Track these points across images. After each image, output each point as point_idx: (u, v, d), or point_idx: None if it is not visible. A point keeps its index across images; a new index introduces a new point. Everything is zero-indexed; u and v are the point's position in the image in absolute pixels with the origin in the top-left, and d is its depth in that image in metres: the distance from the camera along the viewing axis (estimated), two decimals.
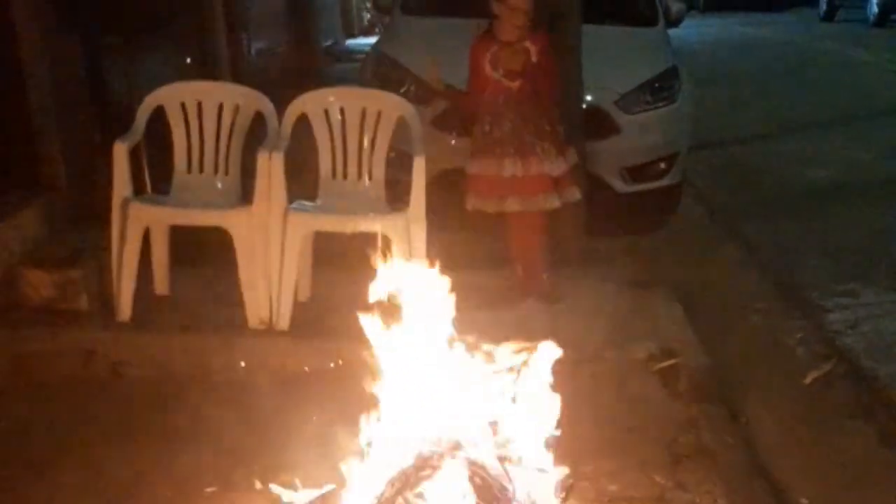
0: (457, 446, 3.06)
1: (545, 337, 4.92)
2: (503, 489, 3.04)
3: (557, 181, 5.36)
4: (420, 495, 2.93)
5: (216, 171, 5.40)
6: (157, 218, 5.24)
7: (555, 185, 5.36)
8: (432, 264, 3.35)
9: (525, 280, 5.54)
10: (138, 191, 5.21)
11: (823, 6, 26.32)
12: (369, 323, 3.28)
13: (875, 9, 23.37)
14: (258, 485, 3.61)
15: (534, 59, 5.26)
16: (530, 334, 4.85)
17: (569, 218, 5.79)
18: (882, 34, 21.76)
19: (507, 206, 5.33)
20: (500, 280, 5.56)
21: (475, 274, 5.51)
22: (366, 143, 5.29)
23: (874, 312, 5.87)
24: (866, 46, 19.17)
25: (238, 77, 8.98)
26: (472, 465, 3.02)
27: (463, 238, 5.74)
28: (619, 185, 6.86)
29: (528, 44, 5.26)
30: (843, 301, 6.04)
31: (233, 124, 5.36)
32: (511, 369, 3.34)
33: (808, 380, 5.00)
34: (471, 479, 2.98)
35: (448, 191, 5.62)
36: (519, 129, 5.26)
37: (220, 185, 5.39)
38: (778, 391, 4.90)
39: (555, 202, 5.37)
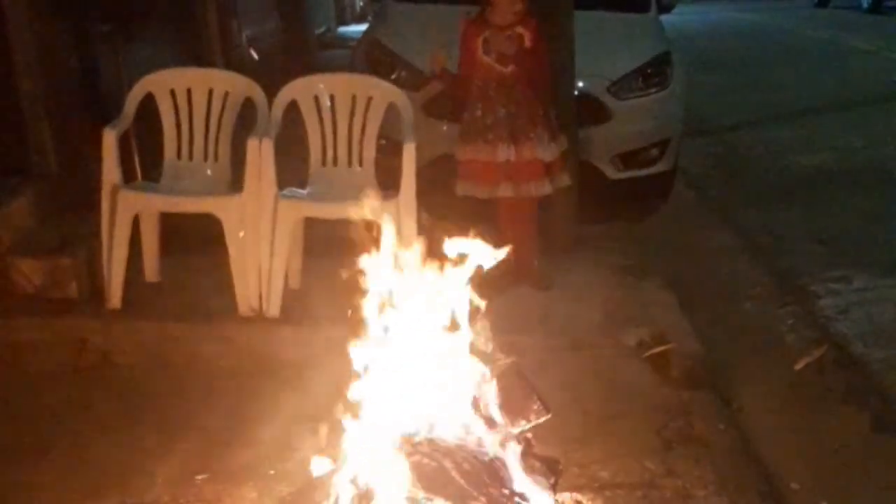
0: (445, 432, 3.07)
1: (535, 324, 4.96)
2: (492, 475, 3.04)
3: (548, 167, 5.35)
4: (407, 482, 2.94)
5: (206, 157, 5.38)
6: (147, 205, 5.22)
7: (546, 171, 5.35)
8: (424, 251, 3.36)
9: (516, 267, 5.53)
10: (128, 178, 5.20)
11: None
12: (361, 310, 3.29)
13: None
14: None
15: (527, 44, 5.25)
16: (522, 321, 4.90)
17: (560, 204, 5.79)
18: (876, 21, 21.77)
19: (500, 192, 5.32)
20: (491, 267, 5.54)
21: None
22: (356, 129, 5.28)
23: (866, 298, 5.88)
24: (860, 33, 19.17)
25: (229, 64, 8.96)
26: (461, 451, 3.03)
27: (454, 225, 5.72)
28: (611, 172, 6.85)
29: (520, 29, 5.24)
30: (835, 287, 6.04)
31: (223, 111, 5.34)
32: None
33: (799, 366, 5.00)
34: (459, 465, 2.98)
35: (439, 177, 5.60)
36: (512, 115, 5.25)
37: (210, 172, 5.37)
38: (770, 377, 4.91)
39: (547, 188, 5.37)
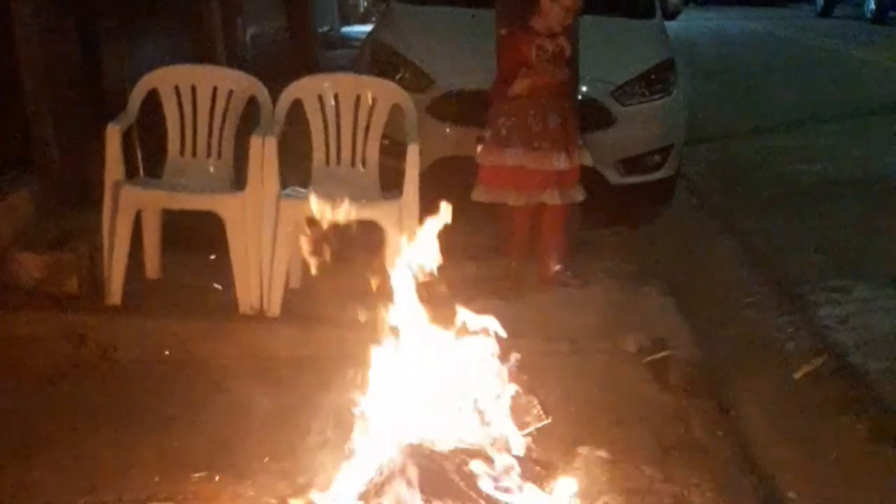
0: (446, 436, 3.07)
1: (535, 328, 4.96)
2: (492, 478, 3.04)
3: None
4: (407, 485, 2.94)
5: (209, 155, 5.39)
6: (149, 201, 5.23)
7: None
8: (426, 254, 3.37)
9: (543, 270, 5.55)
10: (131, 174, 5.21)
11: (821, 2, 26.38)
12: (363, 312, 3.29)
13: (872, 5, 23.44)
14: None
15: (568, 54, 5.31)
16: (523, 325, 4.89)
17: None
18: (879, 30, 21.80)
19: (548, 199, 5.37)
20: (492, 271, 5.55)
21: (469, 264, 5.52)
22: (360, 129, 5.28)
23: (865, 308, 5.87)
24: (863, 42, 19.20)
25: (233, 62, 8.96)
26: (461, 454, 3.03)
27: (457, 228, 5.73)
28: (614, 177, 6.84)
29: (562, 39, 5.28)
30: (835, 296, 6.04)
31: (226, 109, 5.35)
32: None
33: (798, 374, 5.00)
34: (459, 468, 2.98)
35: (442, 179, 5.60)
36: (564, 123, 5.32)
37: (212, 170, 5.38)
38: (768, 385, 4.90)
39: (583, 193, 5.51)
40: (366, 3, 20.87)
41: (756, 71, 15.94)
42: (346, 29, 18.56)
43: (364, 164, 5.33)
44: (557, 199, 5.39)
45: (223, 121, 5.35)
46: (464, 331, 3.31)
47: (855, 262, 6.63)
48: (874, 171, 9.17)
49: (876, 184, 8.70)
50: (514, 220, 5.47)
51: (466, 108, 6.53)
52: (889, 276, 6.32)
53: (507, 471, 3.11)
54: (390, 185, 5.20)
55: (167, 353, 4.78)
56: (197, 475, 3.74)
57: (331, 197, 5.15)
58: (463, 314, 3.33)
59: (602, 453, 3.88)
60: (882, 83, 14.46)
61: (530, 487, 3.14)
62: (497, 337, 3.42)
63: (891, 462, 4.26)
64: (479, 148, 5.39)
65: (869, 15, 23.56)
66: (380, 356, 3.23)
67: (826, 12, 26.12)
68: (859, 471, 4.19)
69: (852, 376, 5.04)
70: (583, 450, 3.86)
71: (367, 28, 11.38)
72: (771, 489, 3.93)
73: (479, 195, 5.39)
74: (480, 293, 5.08)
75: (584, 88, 6.29)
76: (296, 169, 5.37)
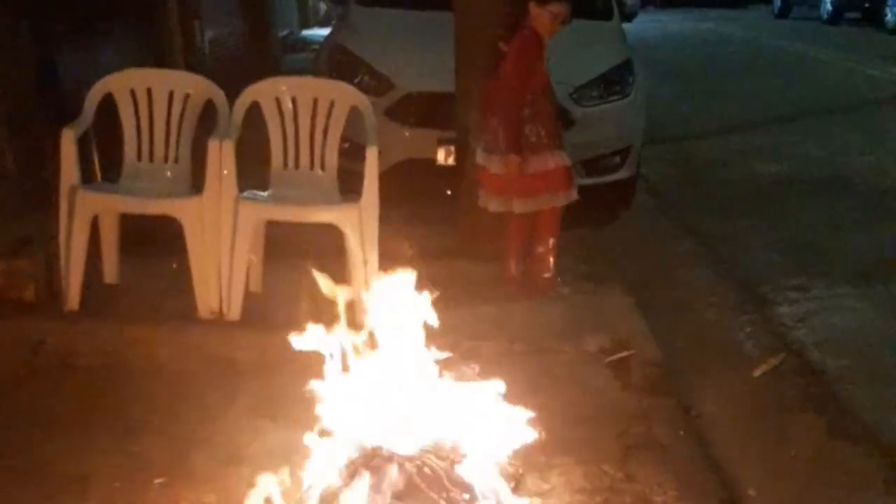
0: (406, 437, 3.06)
1: (496, 329, 4.96)
2: (453, 479, 3.03)
3: None
4: (368, 488, 2.93)
5: (166, 159, 5.33)
6: (106, 206, 5.17)
7: None
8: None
9: (531, 276, 5.56)
10: (87, 179, 5.15)
11: (778, 3, 26.67)
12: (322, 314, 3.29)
13: (829, 7, 23.70)
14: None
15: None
16: (484, 326, 4.90)
17: None
18: (835, 32, 22.05)
19: (574, 194, 5.43)
20: (448, 272, 5.54)
21: (426, 266, 5.50)
22: (318, 132, 5.24)
23: (824, 306, 5.93)
24: (820, 44, 19.40)
25: (191, 65, 8.91)
26: (422, 456, 3.02)
27: (414, 230, 5.73)
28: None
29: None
30: (794, 295, 6.08)
31: (183, 113, 5.30)
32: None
33: (757, 373, 5.04)
34: (420, 469, 2.97)
35: (401, 182, 5.59)
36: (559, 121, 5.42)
37: (170, 174, 5.33)
38: (728, 384, 4.93)
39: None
40: (325, 7, 20.83)
41: (715, 72, 16.06)
42: (307, 32, 18.52)
43: (323, 167, 5.29)
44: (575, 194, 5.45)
45: (180, 125, 5.30)
46: (427, 334, 3.30)
47: (813, 261, 6.70)
48: (832, 170, 9.25)
49: (833, 183, 8.78)
50: (520, 224, 5.46)
51: (425, 111, 6.53)
52: (847, 275, 6.38)
53: (469, 471, 3.11)
54: (350, 188, 5.17)
55: (126, 358, 4.74)
56: (157, 481, 3.72)
57: (290, 200, 5.16)
58: (426, 316, 3.31)
59: (563, 453, 3.89)
60: (840, 83, 14.62)
61: (492, 488, 3.14)
62: (459, 338, 3.42)
63: (849, 459, 4.30)
64: (491, 159, 5.27)
65: (825, 17, 23.82)
66: (340, 360, 3.22)
67: (783, 14, 26.41)
68: (819, 468, 4.22)
69: (811, 374, 5.08)
70: (544, 450, 3.86)
71: (327, 31, 11.34)
72: (732, 486, 3.94)
73: (521, 207, 5.31)
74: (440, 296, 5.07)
75: None
76: (254, 172, 5.34)
